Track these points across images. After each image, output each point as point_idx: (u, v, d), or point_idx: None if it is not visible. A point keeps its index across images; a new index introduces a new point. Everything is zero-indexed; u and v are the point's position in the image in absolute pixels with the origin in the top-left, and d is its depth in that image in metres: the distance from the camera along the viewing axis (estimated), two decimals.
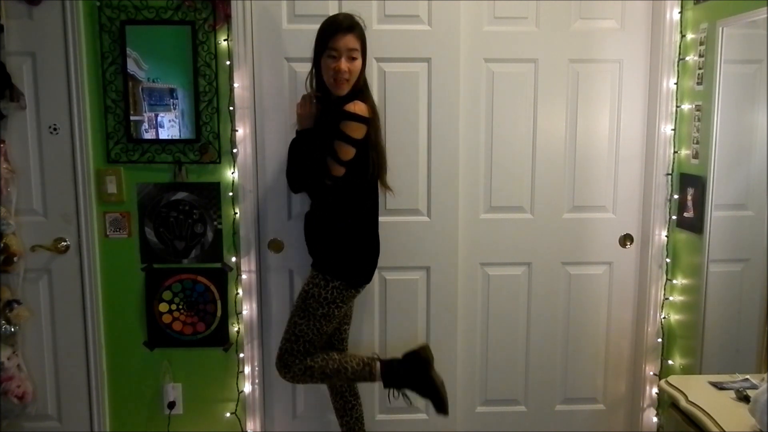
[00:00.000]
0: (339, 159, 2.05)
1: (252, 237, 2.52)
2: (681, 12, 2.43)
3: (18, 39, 2.39)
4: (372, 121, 2.08)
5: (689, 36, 2.41)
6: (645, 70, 2.54)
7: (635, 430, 2.70)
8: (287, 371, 2.19)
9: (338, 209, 2.14)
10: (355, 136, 2.03)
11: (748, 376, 1.82)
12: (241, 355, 2.57)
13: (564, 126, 2.57)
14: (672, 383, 1.83)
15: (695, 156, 2.37)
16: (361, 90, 2.11)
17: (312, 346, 2.17)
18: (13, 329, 2.48)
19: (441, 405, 2.21)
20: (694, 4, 2.38)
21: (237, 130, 2.45)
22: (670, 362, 2.56)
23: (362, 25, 2.11)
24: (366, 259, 2.20)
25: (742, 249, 2.24)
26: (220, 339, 2.58)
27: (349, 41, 2.04)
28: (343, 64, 2.03)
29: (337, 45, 2.03)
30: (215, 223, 2.53)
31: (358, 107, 2.03)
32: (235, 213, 2.51)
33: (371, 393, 2.60)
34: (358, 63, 2.07)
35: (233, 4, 2.39)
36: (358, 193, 2.14)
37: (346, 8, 2.41)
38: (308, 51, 2.43)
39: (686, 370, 2.44)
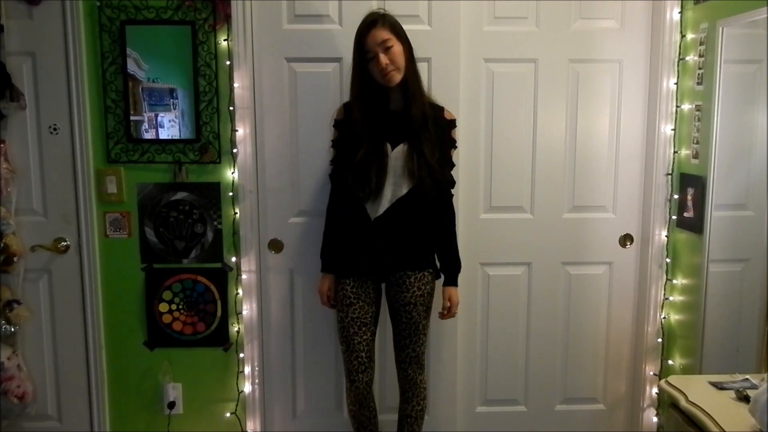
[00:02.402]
0: (452, 163, 2.26)
1: (252, 237, 2.52)
2: (681, 12, 2.43)
3: (18, 39, 2.39)
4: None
5: (689, 36, 2.41)
6: (645, 70, 2.54)
7: (635, 430, 2.70)
8: (421, 371, 2.28)
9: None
10: None
11: (748, 376, 1.81)
12: (241, 355, 2.57)
13: (564, 126, 2.57)
14: (672, 383, 1.83)
15: (695, 156, 2.37)
16: (405, 81, 2.11)
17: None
18: (13, 329, 2.48)
19: None
20: (694, 4, 2.39)
21: (237, 130, 2.45)
22: (670, 362, 2.56)
23: (384, 14, 2.09)
24: None
25: (742, 249, 2.24)
26: (220, 339, 2.58)
27: (377, 36, 2.04)
28: (383, 59, 2.04)
29: (368, 46, 2.05)
30: (215, 223, 2.53)
31: (450, 113, 2.25)
32: (235, 213, 2.51)
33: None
34: (396, 48, 2.06)
35: (233, 4, 2.39)
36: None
37: (346, 8, 2.42)
38: (308, 51, 2.45)
39: (686, 370, 2.44)
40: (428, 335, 2.31)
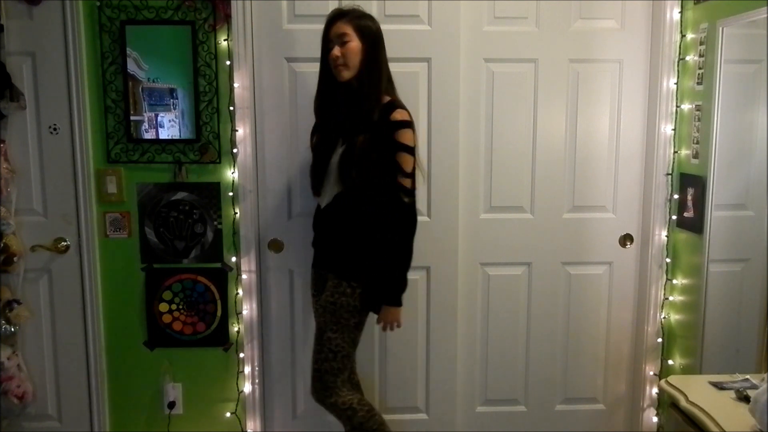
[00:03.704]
0: (401, 169, 2.01)
1: (252, 237, 2.52)
2: (681, 12, 2.44)
3: (18, 39, 2.39)
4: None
5: (689, 36, 2.41)
6: (645, 70, 2.54)
7: (635, 430, 2.70)
8: (328, 394, 2.07)
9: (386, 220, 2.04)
10: (413, 144, 2.02)
11: (748, 376, 1.81)
12: (241, 355, 2.57)
13: (564, 126, 2.57)
14: (672, 383, 1.83)
15: (695, 156, 2.37)
16: (360, 79, 2.03)
17: (349, 360, 2.11)
18: (13, 329, 2.48)
19: None
20: (694, 4, 2.39)
21: (237, 130, 2.46)
22: (670, 362, 2.56)
23: (355, 10, 2.05)
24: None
25: (742, 249, 2.24)
26: (220, 339, 2.58)
27: (338, 28, 2.02)
28: (336, 51, 2.02)
29: (330, 35, 2.05)
30: (215, 223, 2.53)
31: (403, 114, 2.02)
32: (235, 213, 2.51)
33: (371, 393, 2.61)
34: (351, 45, 2.00)
35: (233, 4, 2.39)
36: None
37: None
38: (308, 51, 2.44)
39: (686, 370, 2.44)
40: (338, 356, 2.06)
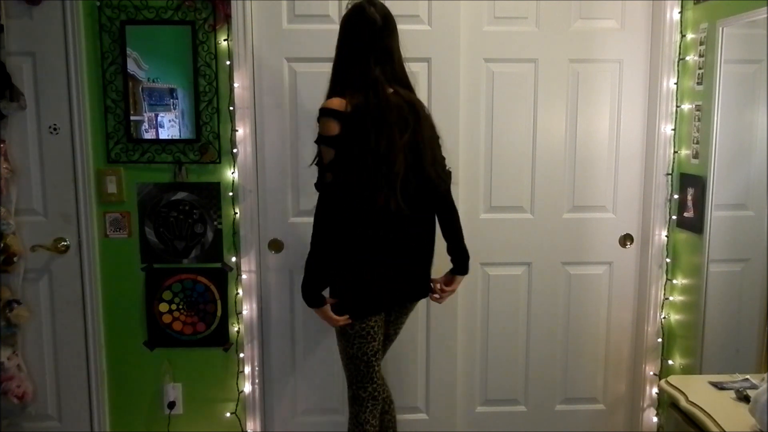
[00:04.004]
0: (323, 162, 1.88)
1: (252, 237, 2.52)
2: (681, 12, 2.44)
3: (18, 39, 2.39)
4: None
5: (689, 36, 2.41)
6: (645, 70, 2.54)
7: (635, 430, 2.70)
8: (349, 405, 2.10)
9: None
10: (329, 134, 1.84)
11: (748, 376, 1.81)
12: (241, 355, 2.57)
13: (564, 126, 2.57)
14: (672, 383, 1.83)
15: (695, 156, 2.37)
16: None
17: (348, 371, 2.04)
18: (13, 329, 2.48)
19: None
20: (694, 4, 2.39)
21: (237, 130, 2.46)
22: (670, 362, 2.56)
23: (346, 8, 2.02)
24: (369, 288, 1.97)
25: (742, 249, 2.24)
26: (220, 339, 2.58)
27: None
28: None
29: None
30: (215, 223, 2.53)
31: (329, 102, 1.87)
32: (235, 213, 2.51)
33: None
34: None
35: (233, 4, 2.39)
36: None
37: (346, 9, 2.41)
38: (308, 51, 2.45)
39: (686, 370, 2.44)
40: (343, 364, 2.08)
